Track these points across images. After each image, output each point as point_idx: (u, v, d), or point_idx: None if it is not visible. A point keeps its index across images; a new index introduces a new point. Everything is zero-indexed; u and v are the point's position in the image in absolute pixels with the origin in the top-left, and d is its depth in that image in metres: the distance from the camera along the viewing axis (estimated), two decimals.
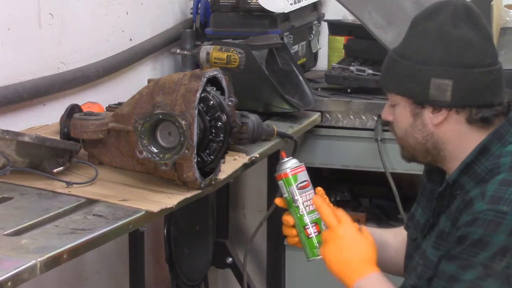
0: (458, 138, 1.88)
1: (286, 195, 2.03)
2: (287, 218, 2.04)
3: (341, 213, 1.96)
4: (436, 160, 1.93)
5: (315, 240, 2.02)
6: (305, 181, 2.03)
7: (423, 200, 2.05)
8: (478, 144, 1.86)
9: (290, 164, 2.03)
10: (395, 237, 2.17)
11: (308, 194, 2.02)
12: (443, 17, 1.84)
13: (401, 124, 1.93)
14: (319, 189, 2.05)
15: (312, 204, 2.02)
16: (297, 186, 2.02)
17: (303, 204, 2.02)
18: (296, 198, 2.02)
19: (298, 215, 2.03)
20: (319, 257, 2.02)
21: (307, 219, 2.03)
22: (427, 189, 2.04)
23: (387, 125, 2.95)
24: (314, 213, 2.02)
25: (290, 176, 2.02)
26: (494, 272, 1.73)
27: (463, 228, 1.78)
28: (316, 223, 2.03)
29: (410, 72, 1.86)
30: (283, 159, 2.04)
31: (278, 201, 2.05)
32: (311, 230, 2.02)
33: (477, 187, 1.83)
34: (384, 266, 2.17)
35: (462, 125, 1.87)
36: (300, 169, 2.03)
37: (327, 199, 2.05)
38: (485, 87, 1.84)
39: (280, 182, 2.03)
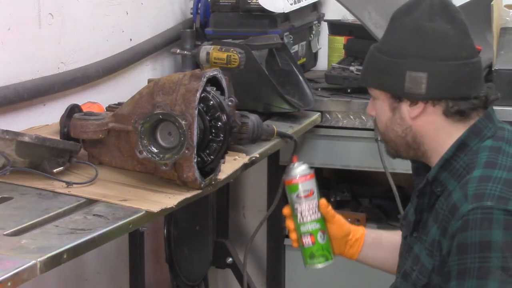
0: (436, 131, 1.89)
1: (289, 201, 2.05)
2: (289, 223, 2.07)
3: None
4: (418, 155, 1.95)
5: (309, 250, 2.03)
6: (308, 190, 2.03)
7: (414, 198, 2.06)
8: (456, 139, 1.87)
9: (297, 171, 2.03)
10: (394, 247, 2.17)
11: (310, 204, 2.03)
12: (420, 11, 1.87)
13: (381, 118, 1.95)
14: (323, 201, 2.06)
15: (311, 214, 2.03)
16: (298, 195, 2.03)
17: (301, 213, 2.03)
18: (296, 206, 2.04)
19: (297, 223, 2.05)
20: (312, 267, 2.03)
21: (303, 229, 2.04)
22: (415, 187, 2.04)
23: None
24: (312, 224, 2.03)
25: (293, 184, 2.03)
26: None
27: (458, 235, 1.76)
28: (312, 234, 2.04)
29: (387, 66, 1.89)
30: (293, 164, 2.05)
31: (285, 211, 2.07)
32: (306, 240, 2.03)
33: (457, 189, 1.82)
34: (378, 264, 2.17)
35: (439, 118, 1.88)
36: (305, 178, 2.03)
37: (330, 206, 2.06)
38: (460, 79, 1.86)
39: (285, 187, 2.04)
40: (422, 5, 1.87)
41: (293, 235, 2.07)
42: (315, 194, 2.05)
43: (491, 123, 1.89)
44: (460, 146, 1.87)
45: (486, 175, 1.80)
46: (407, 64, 1.86)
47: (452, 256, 1.78)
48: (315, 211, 2.04)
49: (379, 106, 1.94)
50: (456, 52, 1.86)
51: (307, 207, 2.03)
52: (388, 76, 1.89)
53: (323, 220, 2.06)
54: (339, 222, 2.10)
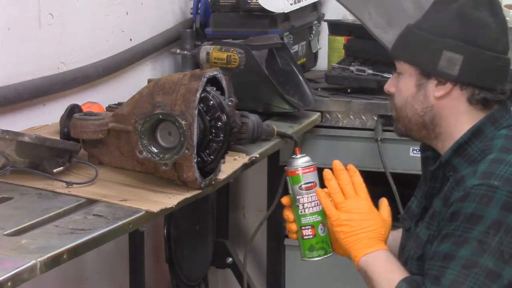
0: (456, 115, 1.91)
1: (290, 192, 2.04)
2: (288, 214, 2.05)
3: (360, 186, 1.99)
4: (431, 137, 1.96)
5: (308, 243, 2.03)
6: (311, 182, 2.03)
7: (419, 191, 2.06)
8: (472, 125, 1.90)
9: (300, 162, 2.03)
10: (394, 240, 2.16)
11: (312, 196, 2.03)
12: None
13: (403, 93, 1.95)
14: (350, 166, 2.04)
15: (313, 206, 2.02)
16: (300, 186, 2.02)
17: (303, 205, 2.02)
18: (297, 197, 2.03)
19: (298, 215, 2.04)
20: (310, 259, 2.03)
21: (304, 220, 2.03)
22: (422, 178, 2.05)
23: (387, 124, 2.99)
24: (314, 216, 2.03)
25: (296, 175, 2.02)
26: (489, 248, 1.74)
27: (455, 204, 1.80)
28: (313, 226, 2.03)
29: (424, 42, 1.90)
30: (296, 155, 2.04)
31: (284, 200, 2.06)
32: (307, 232, 2.02)
33: (468, 167, 1.85)
34: None
35: (462, 103, 1.90)
36: (308, 170, 2.03)
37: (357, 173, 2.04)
38: (492, 71, 1.89)
39: (287, 178, 2.04)
40: None
41: (292, 226, 2.06)
42: (317, 186, 2.04)
43: (508, 115, 1.93)
44: (476, 132, 1.89)
45: (500, 158, 1.83)
46: (446, 43, 1.87)
47: (443, 221, 1.82)
48: (317, 204, 2.04)
49: (403, 81, 1.94)
50: (494, 44, 1.89)
51: (310, 199, 2.03)
52: (424, 51, 1.90)
53: (324, 213, 2.06)
54: None
